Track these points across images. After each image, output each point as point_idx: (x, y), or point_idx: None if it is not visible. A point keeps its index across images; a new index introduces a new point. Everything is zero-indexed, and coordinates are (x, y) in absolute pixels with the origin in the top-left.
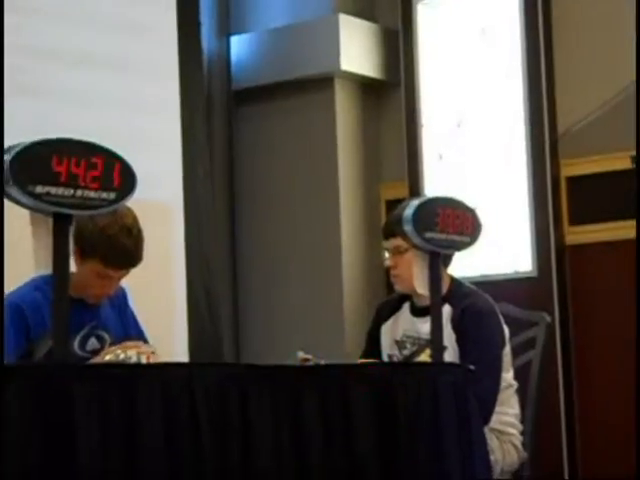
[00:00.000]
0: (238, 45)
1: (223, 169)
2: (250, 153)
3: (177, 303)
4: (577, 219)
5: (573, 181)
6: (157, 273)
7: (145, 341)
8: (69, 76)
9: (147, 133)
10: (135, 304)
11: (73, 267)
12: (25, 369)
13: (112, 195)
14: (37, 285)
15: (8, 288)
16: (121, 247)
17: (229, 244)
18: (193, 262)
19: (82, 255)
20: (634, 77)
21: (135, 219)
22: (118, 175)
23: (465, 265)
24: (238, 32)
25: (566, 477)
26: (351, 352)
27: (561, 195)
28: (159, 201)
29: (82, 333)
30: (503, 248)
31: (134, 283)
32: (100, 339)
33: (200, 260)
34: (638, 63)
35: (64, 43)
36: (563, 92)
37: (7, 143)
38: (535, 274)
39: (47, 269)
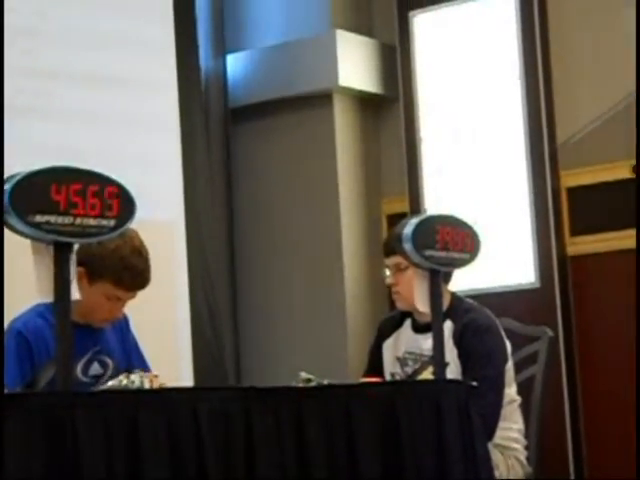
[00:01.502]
0: (235, 63)
1: (221, 187)
2: (248, 170)
3: (180, 323)
4: (578, 230)
5: (573, 191)
6: (160, 293)
7: (147, 368)
8: (69, 95)
9: (147, 151)
10: (139, 326)
11: (78, 294)
12: (27, 398)
13: (112, 222)
14: (40, 311)
15: (13, 314)
16: (133, 268)
17: (229, 262)
18: (196, 280)
19: (92, 277)
20: (633, 87)
21: (142, 241)
22: (117, 202)
23: (467, 278)
24: (234, 50)
25: None
26: (353, 369)
27: (562, 206)
28: (160, 219)
29: (85, 358)
30: (505, 260)
31: (138, 304)
32: (103, 364)
33: (203, 278)
34: (638, 72)
35: (63, 63)
36: (561, 102)
37: (8, 163)
38: (537, 285)
39: (50, 297)
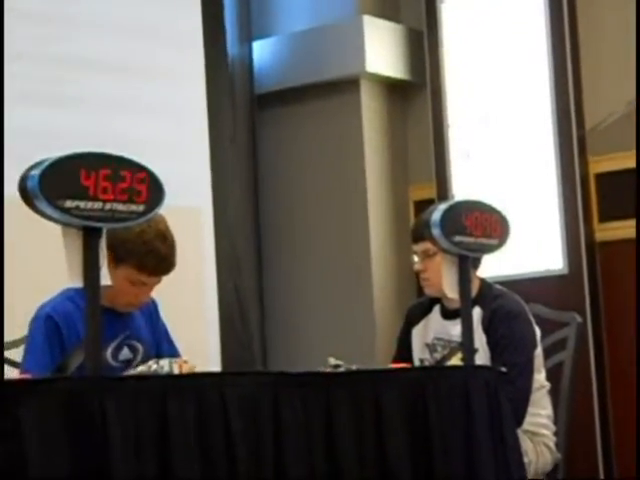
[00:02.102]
0: (261, 49)
1: (248, 173)
2: (275, 156)
3: (208, 308)
4: (607, 216)
5: (602, 177)
6: (188, 279)
7: (177, 354)
8: (96, 84)
9: (174, 138)
10: (167, 311)
11: (108, 279)
12: (55, 382)
13: (141, 207)
14: (69, 296)
15: (43, 299)
16: (157, 252)
17: (256, 248)
18: (223, 266)
19: (116, 261)
20: None
21: (168, 227)
22: (146, 187)
23: (495, 265)
24: (261, 36)
25: (602, 477)
26: (382, 356)
27: (590, 192)
28: (188, 206)
29: (115, 343)
30: (533, 247)
31: (166, 289)
32: (133, 349)
33: (230, 264)
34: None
35: (91, 52)
36: (590, 88)
37: (39, 154)
38: (566, 272)
39: (80, 281)
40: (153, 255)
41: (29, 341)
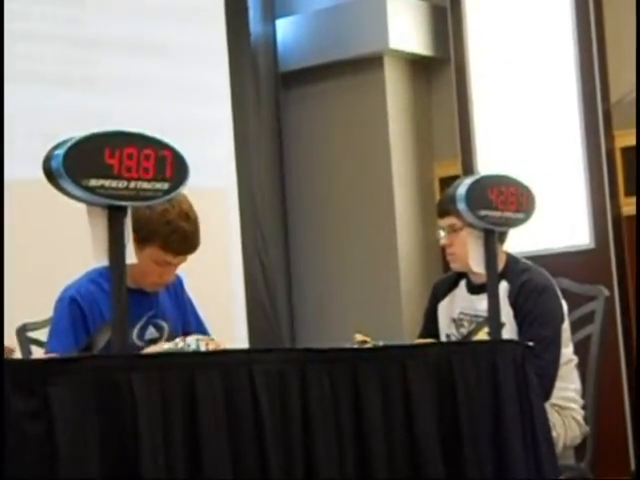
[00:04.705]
0: (284, 28)
1: (273, 152)
2: (299, 135)
3: (235, 287)
4: (633, 189)
5: (627, 151)
6: (214, 258)
7: (204, 330)
8: (119, 65)
9: (197, 118)
10: (194, 290)
11: (134, 257)
12: (82, 360)
13: (166, 185)
14: (92, 278)
15: (67, 281)
16: (181, 231)
17: (282, 227)
18: (249, 246)
19: (140, 242)
20: None
21: (191, 205)
22: (171, 165)
23: (522, 240)
24: (284, 14)
25: (631, 451)
26: (409, 332)
27: (616, 166)
28: (213, 186)
29: (140, 323)
30: (559, 222)
31: (191, 268)
32: (159, 328)
33: (256, 243)
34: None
35: (112, 32)
36: (615, 61)
37: (62, 135)
38: (593, 246)
39: (105, 260)
40: (177, 234)
41: (53, 323)
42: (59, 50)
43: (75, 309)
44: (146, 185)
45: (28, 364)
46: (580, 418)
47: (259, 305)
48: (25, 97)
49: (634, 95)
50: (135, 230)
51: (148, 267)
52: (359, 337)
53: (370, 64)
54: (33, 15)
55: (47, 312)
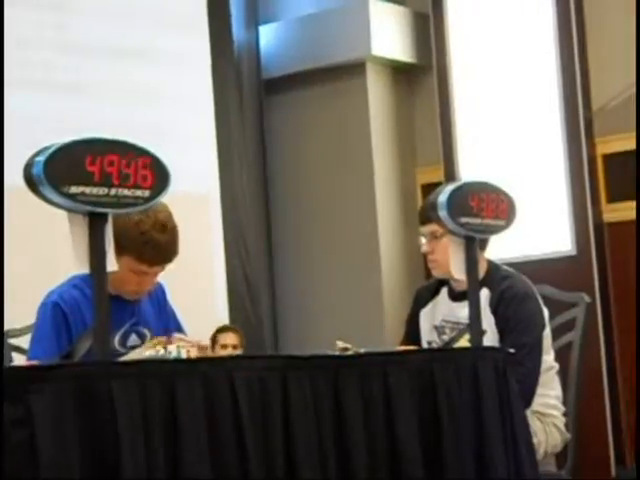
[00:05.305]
0: (267, 34)
1: (256, 158)
2: (283, 141)
3: (217, 293)
4: (614, 197)
5: (609, 158)
6: (196, 265)
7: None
8: (101, 70)
9: (180, 124)
10: (175, 296)
11: (115, 265)
12: (63, 368)
13: (146, 193)
14: (74, 283)
15: (50, 286)
16: (155, 242)
17: (264, 233)
18: (232, 252)
19: (117, 251)
20: None
21: (169, 214)
22: (151, 172)
23: (504, 247)
24: (267, 21)
25: (612, 458)
26: (390, 338)
27: (598, 173)
28: (195, 193)
29: (122, 330)
30: (541, 228)
31: (174, 275)
32: (141, 335)
33: (239, 250)
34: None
35: (96, 38)
36: (596, 69)
37: (46, 140)
38: (574, 253)
39: (86, 268)
40: (151, 245)
41: (36, 329)
42: (43, 56)
43: (58, 314)
44: (127, 192)
45: (9, 372)
46: (561, 425)
47: (242, 311)
48: (11, 103)
49: (616, 103)
50: (113, 239)
51: (126, 276)
52: (341, 344)
53: (353, 71)
54: (16, 20)
55: (29, 319)
